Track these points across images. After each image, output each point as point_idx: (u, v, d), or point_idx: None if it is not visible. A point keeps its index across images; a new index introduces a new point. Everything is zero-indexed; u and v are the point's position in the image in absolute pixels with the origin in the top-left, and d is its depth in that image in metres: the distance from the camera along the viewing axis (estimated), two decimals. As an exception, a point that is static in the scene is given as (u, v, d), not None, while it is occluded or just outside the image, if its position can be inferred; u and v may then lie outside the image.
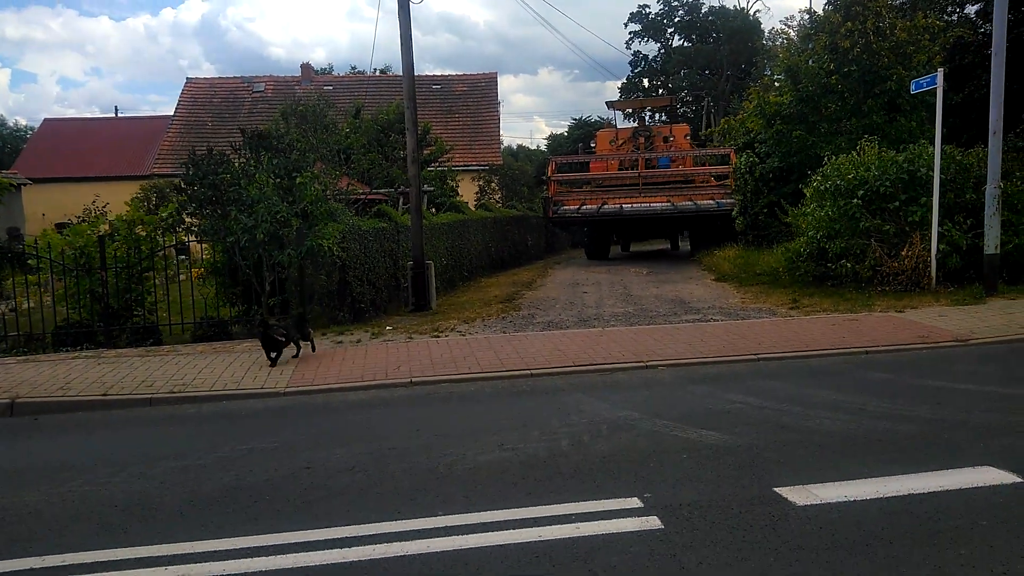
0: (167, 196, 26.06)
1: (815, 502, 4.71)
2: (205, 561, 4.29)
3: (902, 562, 3.95)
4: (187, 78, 41.65)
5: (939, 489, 4.87)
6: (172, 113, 38.31)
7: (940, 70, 13.10)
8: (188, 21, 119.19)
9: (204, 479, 5.70)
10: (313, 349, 10.03)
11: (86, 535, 4.78)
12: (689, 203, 22.10)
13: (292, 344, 9.62)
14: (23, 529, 4.93)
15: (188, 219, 12.24)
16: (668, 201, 22.18)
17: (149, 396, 8.22)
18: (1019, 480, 4.96)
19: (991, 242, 11.99)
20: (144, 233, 12.16)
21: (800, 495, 4.81)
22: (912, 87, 13.70)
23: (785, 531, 4.36)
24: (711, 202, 22.00)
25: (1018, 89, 22.67)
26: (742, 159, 20.70)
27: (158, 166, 33.67)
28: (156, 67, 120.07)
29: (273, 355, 9.31)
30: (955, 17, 27.55)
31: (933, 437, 5.94)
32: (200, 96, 38.59)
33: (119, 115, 50.96)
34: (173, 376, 8.99)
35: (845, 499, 4.75)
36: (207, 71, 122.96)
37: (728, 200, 21.26)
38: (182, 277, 13.42)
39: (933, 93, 12.89)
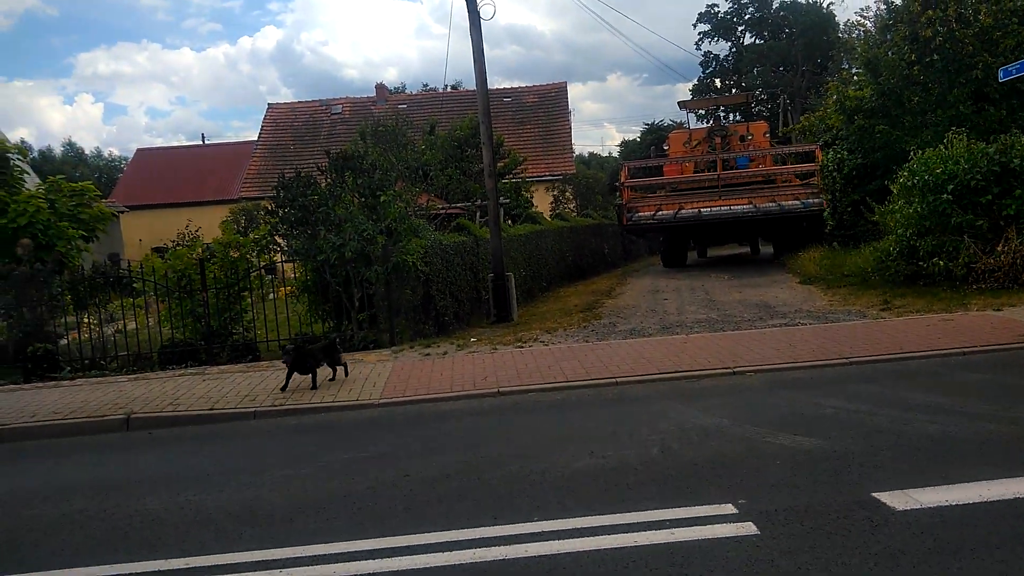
0: (255, 218, 27.18)
1: (915, 507, 4.66)
2: (316, 564, 4.54)
3: (1011, 567, 3.88)
4: (268, 104, 43.34)
5: (1047, 492, 4.74)
6: (256, 138, 39.86)
7: (1033, 56, 12.58)
8: (265, 48, 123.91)
9: (310, 487, 6.00)
10: (346, 374, 9.81)
11: (204, 540, 5.10)
12: (772, 204, 20.99)
13: (329, 367, 9.68)
14: (148, 535, 5.29)
15: (279, 240, 12.80)
16: (750, 203, 21.11)
17: (253, 410, 8.65)
18: None
19: (1095, 234, 11.44)
20: (238, 255, 12.76)
21: (899, 500, 4.76)
22: (1000, 75, 13.25)
23: (885, 536, 4.33)
24: (796, 202, 20.90)
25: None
26: (829, 155, 19.84)
27: (245, 189, 35.09)
28: (237, 94, 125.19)
29: (309, 376, 9.43)
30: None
31: (1039, 439, 5.76)
32: (282, 120, 40.04)
33: (205, 142, 53.31)
34: (273, 391, 9.41)
35: (947, 503, 4.67)
36: (285, 95, 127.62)
37: (814, 199, 20.32)
38: (270, 296, 14.00)
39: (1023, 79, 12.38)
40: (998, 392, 7.18)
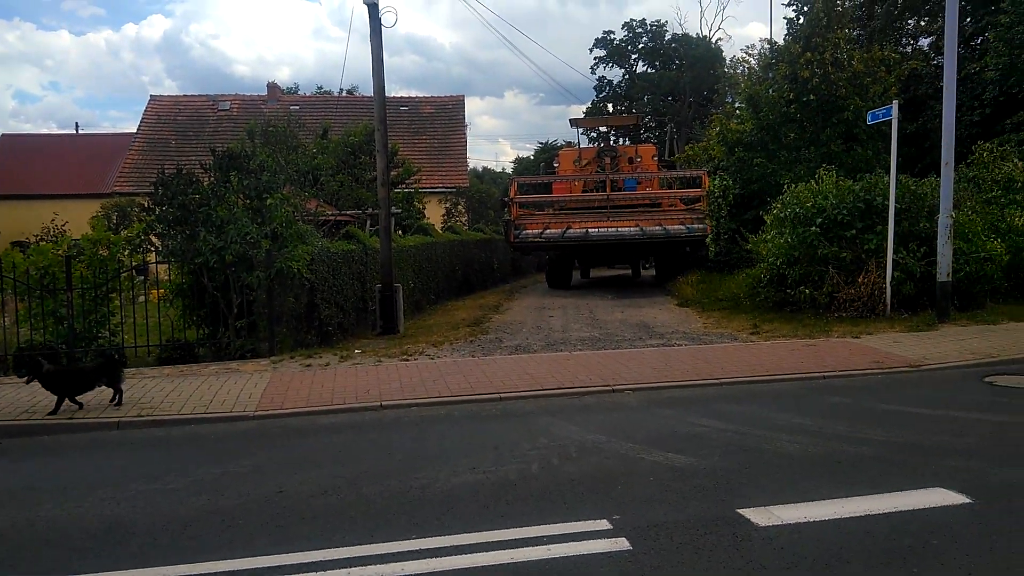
0: (129, 215, 25.82)
1: (776, 523, 4.90)
2: (181, 585, 4.33)
3: (859, 580, 4.14)
4: (151, 96, 41.42)
5: (893, 510, 5.08)
6: (135, 130, 37.89)
7: (895, 102, 13.62)
8: (150, 37, 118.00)
9: (177, 502, 5.71)
10: (119, 402, 8.54)
11: (56, 562, 4.76)
12: (659, 228, 20.89)
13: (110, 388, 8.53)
14: (-8, 555, 4.90)
15: (155, 239, 12.19)
16: (637, 225, 20.93)
17: (117, 420, 8.16)
18: (967, 500, 5.21)
19: (943, 270, 12.44)
20: (108, 253, 12.05)
21: (762, 516, 4.99)
22: (868, 118, 14.22)
23: (748, 551, 4.53)
24: (681, 227, 20.91)
25: (970, 120, 23.63)
26: (715, 182, 20.26)
27: (119, 184, 33.26)
28: (117, 83, 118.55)
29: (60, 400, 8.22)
30: (909, 49, 28.63)
31: (888, 459, 6.18)
32: (164, 114, 38.27)
33: (79, 131, 50.21)
34: (140, 400, 8.92)
35: (805, 520, 4.94)
36: (170, 88, 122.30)
37: (699, 225, 20.46)
38: (140, 299, 13.29)
39: (889, 123, 13.36)
40: (853, 414, 7.67)
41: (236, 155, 12.22)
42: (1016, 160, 16.46)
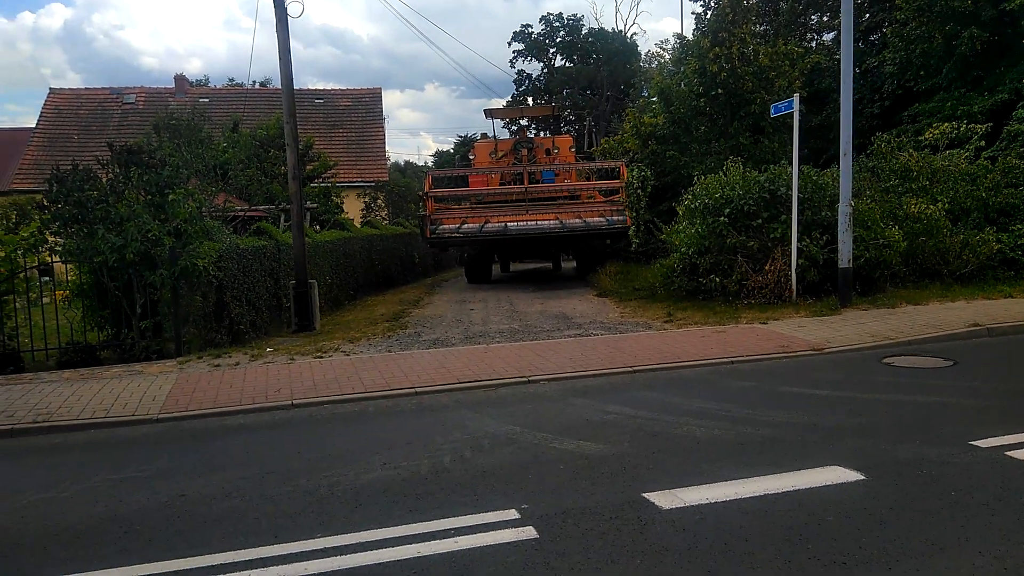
0: (29, 214, 24.54)
1: (679, 505, 5.01)
2: (70, 598, 4.14)
3: (756, 558, 4.27)
4: (50, 88, 39.30)
5: (791, 489, 5.27)
6: (34, 125, 36.04)
7: (796, 95, 14.09)
8: (50, 27, 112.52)
9: (71, 511, 5.46)
10: None
11: (-64, 578, 4.50)
12: (578, 221, 20.39)
13: None
14: None
15: (52, 239, 11.62)
16: (556, 218, 20.45)
17: (10, 427, 7.76)
18: (862, 477, 5.44)
19: (844, 257, 12.95)
20: (3, 254, 11.43)
21: (666, 499, 5.10)
22: (772, 111, 14.64)
23: (651, 534, 4.62)
24: (601, 219, 20.36)
25: (870, 112, 24.71)
26: (634, 173, 20.10)
27: (18, 182, 31.58)
28: (15, 75, 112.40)
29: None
30: (814, 44, 29.75)
31: (788, 440, 6.41)
32: (65, 108, 36.50)
33: (-28, 126, 47.44)
34: (36, 405, 8.51)
35: (707, 501, 5.07)
36: (72, 81, 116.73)
37: (619, 217, 20.13)
38: (46, 300, 12.70)
39: (792, 116, 13.80)
40: (758, 397, 7.92)
41: (135, 150, 11.73)
42: (912, 151, 17.25)
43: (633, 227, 19.82)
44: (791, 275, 13.59)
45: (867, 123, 23.79)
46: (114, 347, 11.26)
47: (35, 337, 11.41)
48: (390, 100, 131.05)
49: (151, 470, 6.40)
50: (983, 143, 17.69)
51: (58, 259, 11.59)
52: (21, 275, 11.49)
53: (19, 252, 11.54)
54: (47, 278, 12.94)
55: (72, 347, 11.13)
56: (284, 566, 4.40)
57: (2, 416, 8.10)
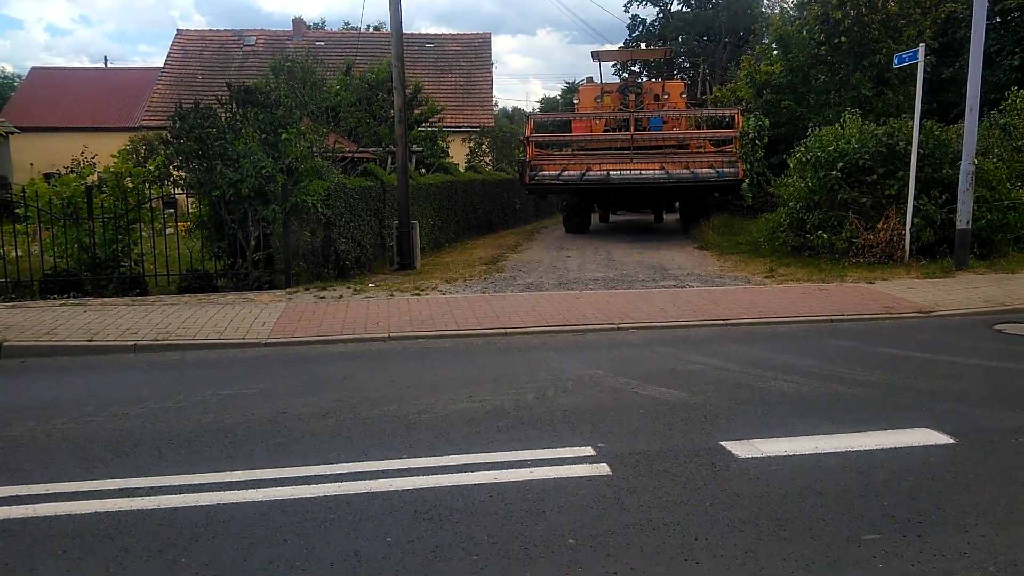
0: (156, 149, 26.05)
1: (756, 455, 5.02)
2: (179, 493, 4.57)
3: (827, 510, 4.25)
4: (177, 30, 41.33)
5: (875, 447, 5.18)
6: (162, 65, 37.97)
7: (922, 45, 13.24)
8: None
9: (183, 420, 5.97)
10: None
11: (68, 468, 5.04)
12: (686, 171, 19.19)
13: None
14: (9, 460, 5.19)
15: (176, 172, 12.39)
16: (662, 168, 19.29)
17: (133, 343, 8.46)
18: (951, 441, 5.28)
19: (963, 217, 12.26)
20: (132, 185, 12.29)
21: (743, 448, 5.12)
22: (895, 61, 13.84)
23: (724, 480, 4.66)
24: (711, 170, 19.16)
25: (1009, 65, 22.87)
26: (750, 121, 18.69)
27: (147, 118, 33.49)
28: (146, 17, 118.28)
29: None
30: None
31: (880, 400, 6.25)
32: (190, 49, 38.22)
33: (108, 66, 50.38)
34: (158, 325, 9.22)
35: (785, 453, 5.06)
36: (198, 23, 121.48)
37: (730, 168, 18.82)
38: (169, 230, 13.59)
39: (916, 67, 13.00)
40: (854, 357, 7.71)
41: (251, 90, 12.27)
42: (1051, 107, 15.94)
43: (747, 179, 18.53)
44: (905, 234, 12.98)
45: (1005, 77, 22.00)
46: (229, 276, 11.99)
47: (159, 264, 12.28)
48: (501, 45, 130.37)
49: (256, 388, 6.88)
50: None
51: (180, 192, 12.34)
52: (147, 205, 12.32)
53: (145, 184, 12.37)
54: (171, 210, 13.81)
55: (191, 274, 11.92)
56: (370, 481, 4.69)
57: (127, 333, 8.83)
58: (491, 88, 38.35)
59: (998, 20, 23.82)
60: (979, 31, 12.03)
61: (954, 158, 12.95)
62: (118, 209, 11.84)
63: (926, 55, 13.18)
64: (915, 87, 13.10)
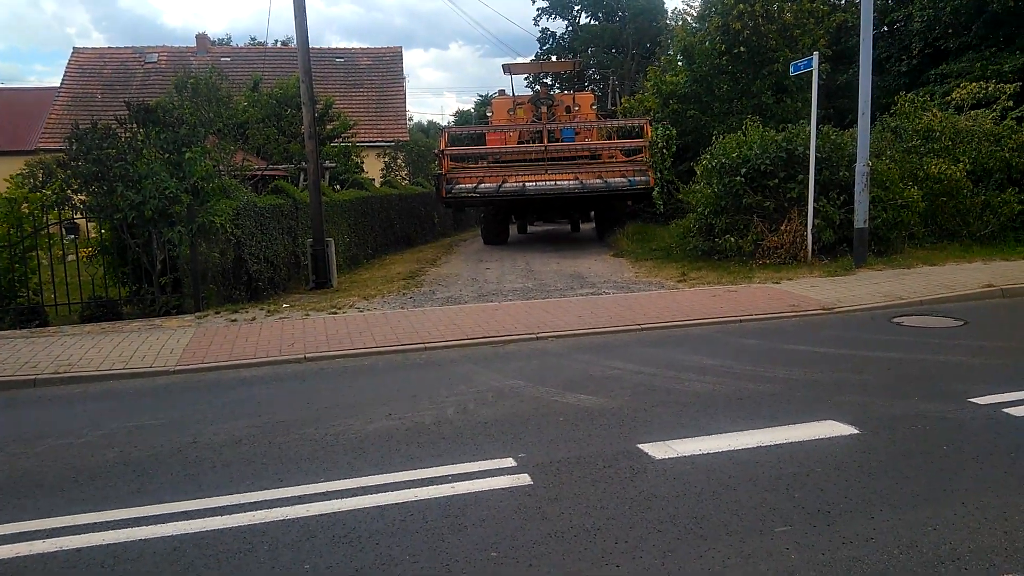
0: (54, 172, 24.91)
1: (672, 455, 5.13)
2: (83, 533, 4.36)
3: (741, 505, 4.38)
4: (74, 48, 39.63)
5: (784, 441, 5.36)
6: (59, 84, 36.36)
7: (816, 53, 13.85)
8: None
9: (87, 456, 5.70)
10: None
11: (-40, 515, 4.75)
12: (599, 181, 19.55)
13: None
14: None
15: (75, 197, 11.85)
16: (576, 179, 19.62)
17: (33, 377, 8.04)
18: (856, 431, 5.52)
19: (860, 217, 12.85)
20: (28, 211, 11.70)
21: (659, 450, 5.22)
22: (791, 69, 14.43)
23: (642, 482, 4.75)
24: (623, 179, 19.53)
25: (898, 71, 24.16)
26: (658, 131, 19.15)
27: (44, 140, 31.96)
28: (40, 35, 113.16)
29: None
30: (843, 1, 29.01)
31: (787, 395, 6.48)
32: (88, 67, 36.72)
33: (1, 86, 47.94)
34: (59, 356, 8.79)
35: (699, 452, 5.19)
36: (97, 40, 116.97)
37: (641, 177, 19.27)
38: (70, 257, 12.98)
39: (812, 74, 13.58)
40: (763, 355, 7.98)
41: (152, 108, 11.86)
42: (935, 110, 16.92)
43: (657, 188, 19.07)
44: (807, 235, 13.53)
45: (894, 82, 23.26)
46: (135, 302, 11.54)
47: (59, 292, 11.72)
48: (414, 59, 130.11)
49: (165, 419, 6.63)
50: (1011, 103, 17.28)
51: (79, 216, 11.82)
52: (44, 232, 11.75)
53: (43, 209, 11.80)
54: (72, 235, 13.21)
55: (94, 302, 11.42)
56: (286, 508, 4.58)
57: (26, 367, 8.39)
58: (404, 102, 38.18)
59: (885, 29, 25.18)
60: (867, 40, 12.68)
61: (850, 161, 13.57)
62: (13, 236, 11.25)
63: (820, 63, 13.80)
64: (811, 94, 13.68)
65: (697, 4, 24.81)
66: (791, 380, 6.93)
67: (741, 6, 20.29)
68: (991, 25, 20.96)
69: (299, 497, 4.73)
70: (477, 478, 4.90)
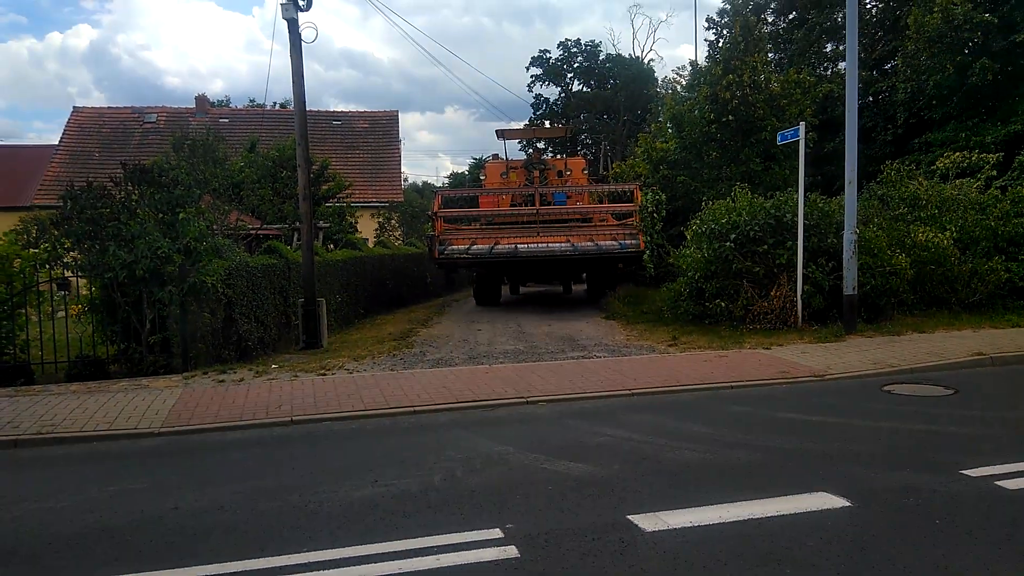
0: (48, 228, 24.98)
1: (663, 528, 5.05)
2: (56, 605, 4.23)
3: (732, 580, 4.29)
4: (74, 107, 40.08)
5: (775, 514, 5.28)
6: (57, 142, 36.76)
7: (802, 123, 14.16)
8: (76, 47, 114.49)
9: (66, 521, 5.57)
10: None
11: (-70, 584, 4.62)
12: (591, 244, 19.75)
13: None
14: None
15: (70, 255, 11.85)
16: (568, 241, 19.87)
17: (14, 438, 7.91)
18: (847, 504, 5.45)
19: (849, 284, 12.94)
20: (19, 268, 11.69)
21: (650, 522, 5.14)
22: (778, 138, 14.71)
23: (632, 556, 4.66)
24: (614, 243, 19.70)
25: (883, 140, 24.71)
26: (648, 196, 19.49)
27: (40, 197, 32.15)
28: (41, 93, 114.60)
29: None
30: (829, 72, 29.81)
31: (778, 465, 6.42)
32: (88, 125, 37.20)
33: (-1, 142, 48.39)
34: (42, 416, 8.66)
35: (690, 524, 5.10)
36: (97, 99, 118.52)
37: (631, 240, 19.48)
38: (60, 314, 12.91)
39: (799, 143, 13.85)
40: (754, 423, 7.93)
41: (147, 169, 11.98)
42: (921, 179, 17.24)
43: (648, 251, 19.28)
44: (796, 301, 13.60)
45: (879, 151, 23.79)
46: (123, 361, 11.44)
47: (46, 350, 11.63)
48: (410, 121, 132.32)
49: (148, 482, 6.51)
50: (995, 173, 17.63)
51: (70, 274, 11.81)
52: (34, 289, 11.72)
53: (34, 266, 11.80)
54: (63, 292, 13.17)
55: (81, 360, 11.31)
56: (267, 579, 4.47)
57: (7, 427, 8.26)
58: (399, 164, 38.72)
59: (871, 99, 25.84)
60: (853, 110, 12.98)
61: (838, 228, 13.73)
62: (1, 293, 11.22)
63: (807, 132, 14.10)
64: (799, 161, 13.93)
65: (686, 73, 25.49)
66: (782, 449, 6.87)
67: (730, 76, 20.82)
68: (972, 97, 21.56)
69: (280, 568, 4.62)
70: (463, 549, 4.80)
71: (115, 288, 11.16)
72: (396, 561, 4.65)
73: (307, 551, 4.86)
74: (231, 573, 4.56)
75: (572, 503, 5.59)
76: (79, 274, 11.70)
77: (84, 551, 5.02)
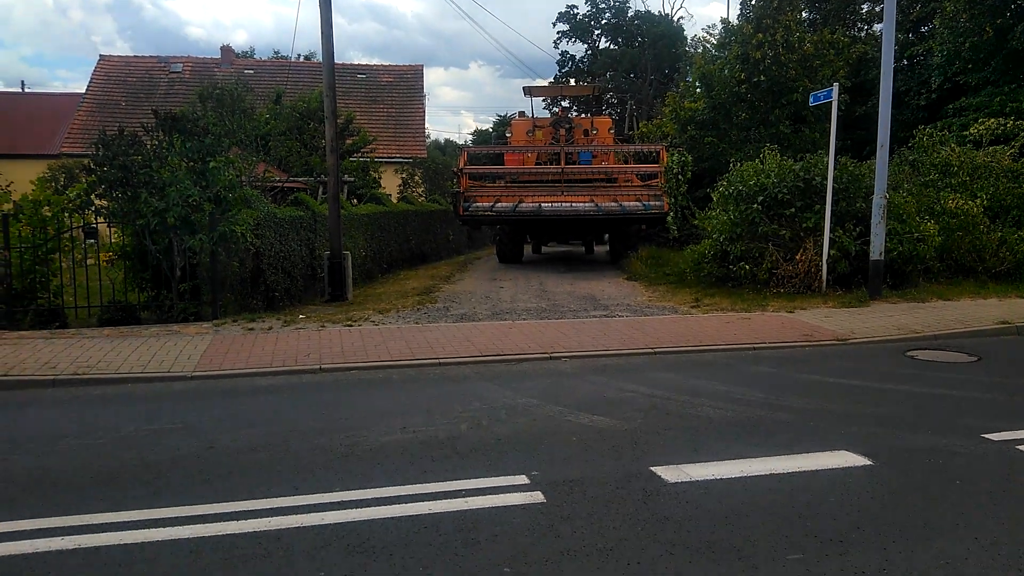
0: (76, 176, 25.23)
1: (685, 479, 5.15)
2: (101, 532, 4.42)
3: (753, 532, 4.40)
4: (100, 55, 40.26)
5: (797, 470, 5.37)
6: (84, 91, 36.91)
7: (836, 84, 13.95)
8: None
9: (106, 457, 5.78)
10: None
11: (-19, 510, 4.82)
12: (614, 204, 19.80)
13: None
14: (-85, 504, 4.93)
15: (98, 201, 12.03)
16: (592, 201, 19.90)
17: (52, 377, 8.15)
18: (868, 462, 5.52)
19: (876, 249, 12.86)
20: (50, 214, 11.88)
21: (672, 473, 5.24)
22: (811, 99, 14.50)
23: (655, 504, 4.77)
24: (638, 204, 19.77)
25: (916, 104, 24.23)
26: (674, 157, 19.35)
27: (67, 145, 32.45)
28: (66, 42, 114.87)
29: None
30: (863, 33, 29.18)
31: (800, 424, 6.49)
32: (114, 74, 37.29)
33: (25, 90, 48.69)
34: (78, 358, 8.90)
35: (712, 477, 5.21)
36: (121, 49, 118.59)
37: (656, 202, 19.53)
38: (91, 261, 13.15)
39: (831, 105, 13.66)
40: (775, 383, 7.99)
41: (179, 117, 12.06)
42: (953, 145, 16.96)
43: (672, 213, 19.24)
44: (822, 265, 13.54)
45: (912, 115, 23.37)
46: (153, 308, 11.67)
47: (79, 295, 11.86)
48: (433, 77, 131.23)
49: (183, 423, 6.70)
50: (1030, 140, 17.31)
51: (103, 221, 12.00)
52: (67, 235, 11.92)
53: (65, 212, 11.98)
54: (92, 240, 13.38)
55: (113, 306, 11.55)
56: (301, 516, 4.63)
57: (45, 367, 8.50)
58: (423, 120, 38.56)
59: (905, 63, 25.30)
60: (888, 73, 12.76)
61: (867, 192, 13.60)
62: (36, 239, 11.43)
63: (840, 94, 13.88)
64: (830, 124, 13.75)
65: (717, 32, 25.01)
66: (804, 409, 6.94)
67: (761, 35, 20.48)
68: (1010, 61, 21.04)
69: (314, 505, 4.78)
70: (490, 494, 4.94)
71: (147, 235, 11.33)
72: (426, 502, 4.79)
73: (340, 490, 5.01)
74: (267, 509, 4.72)
75: (596, 453, 5.71)
76: (109, 221, 11.87)
77: (125, 484, 5.21)
